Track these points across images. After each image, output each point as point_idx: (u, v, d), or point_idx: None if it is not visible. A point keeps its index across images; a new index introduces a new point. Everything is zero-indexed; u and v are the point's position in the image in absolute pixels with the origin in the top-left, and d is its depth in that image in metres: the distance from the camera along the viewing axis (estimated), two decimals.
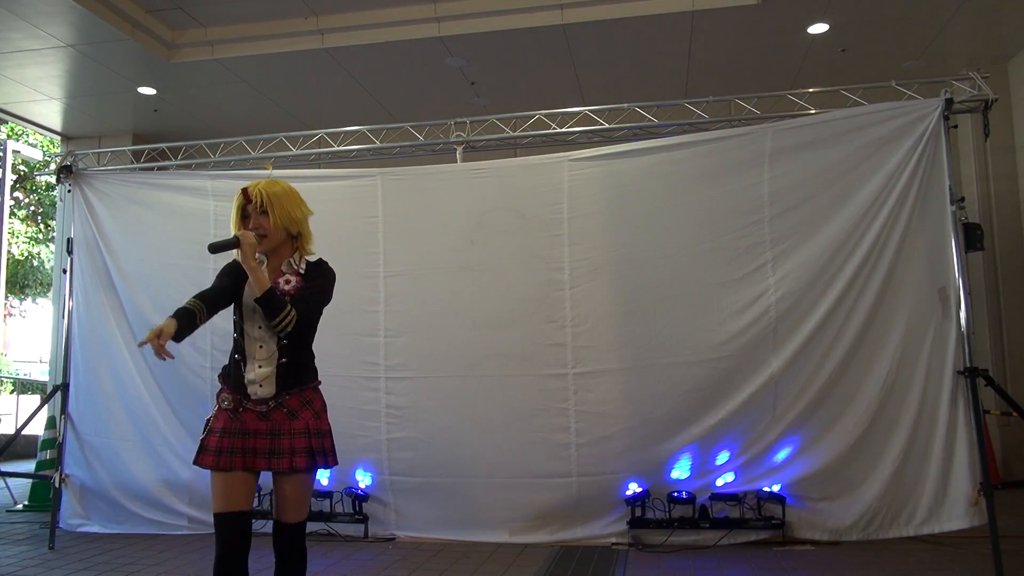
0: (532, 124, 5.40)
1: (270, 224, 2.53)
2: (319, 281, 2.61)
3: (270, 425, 2.47)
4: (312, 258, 2.68)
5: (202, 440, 2.50)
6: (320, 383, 2.64)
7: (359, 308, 5.03)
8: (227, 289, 2.56)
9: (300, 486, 2.49)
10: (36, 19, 5.96)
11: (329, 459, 2.54)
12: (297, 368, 2.54)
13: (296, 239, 2.63)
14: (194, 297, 2.48)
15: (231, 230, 2.59)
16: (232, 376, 2.54)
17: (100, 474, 5.35)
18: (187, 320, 2.39)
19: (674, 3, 5.97)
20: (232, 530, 2.42)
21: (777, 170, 4.67)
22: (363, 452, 5.01)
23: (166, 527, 5.23)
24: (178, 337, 2.34)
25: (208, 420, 2.55)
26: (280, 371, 2.49)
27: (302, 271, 2.60)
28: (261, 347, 2.50)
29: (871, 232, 4.46)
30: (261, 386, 2.47)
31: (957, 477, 4.23)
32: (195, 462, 2.48)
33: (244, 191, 2.58)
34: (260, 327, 2.51)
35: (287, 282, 2.56)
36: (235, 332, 2.57)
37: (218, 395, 2.57)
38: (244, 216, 2.58)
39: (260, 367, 2.48)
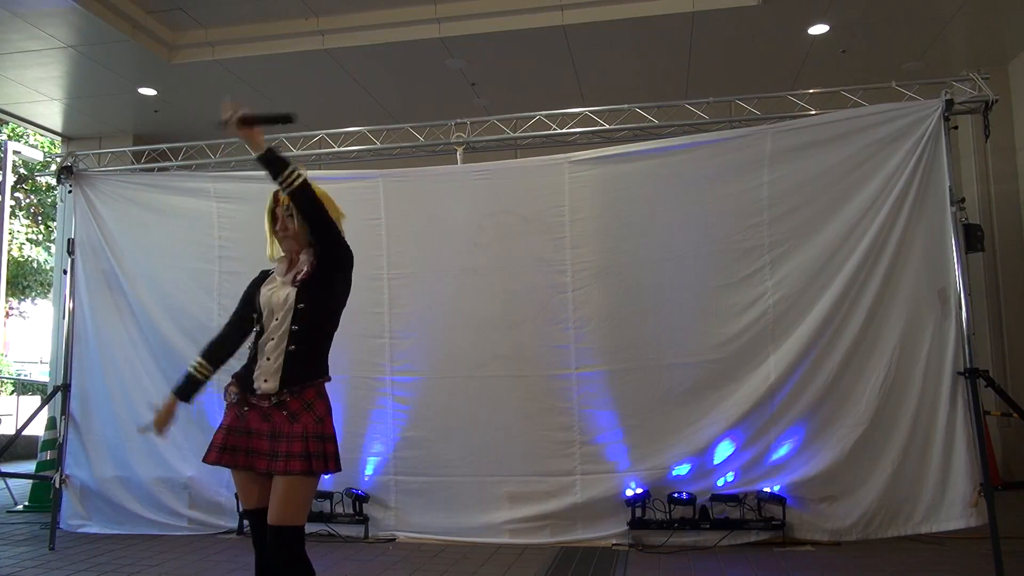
0: (532, 125, 5.40)
1: (295, 226, 2.58)
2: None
3: (271, 427, 2.49)
4: None
5: (212, 437, 2.58)
6: (328, 379, 2.62)
7: (365, 310, 5.04)
8: (243, 315, 2.68)
9: (291, 490, 2.45)
10: (37, 20, 5.97)
11: (330, 464, 2.51)
12: (303, 362, 2.53)
13: None
14: (199, 355, 2.67)
15: (265, 230, 2.66)
16: (244, 370, 2.58)
17: (101, 475, 5.36)
18: (188, 389, 2.65)
19: (674, 4, 5.98)
20: (253, 526, 2.54)
21: (777, 172, 4.68)
22: (369, 452, 5.05)
23: (166, 528, 5.24)
24: (186, 399, 2.66)
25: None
26: (286, 362, 2.49)
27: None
28: (272, 340, 2.52)
29: (869, 233, 4.47)
30: (266, 381, 2.49)
31: (956, 478, 4.24)
32: (203, 459, 2.57)
33: (275, 193, 2.62)
34: (276, 319, 2.53)
35: (304, 264, 2.58)
36: (256, 327, 2.60)
37: (226, 388, 2.60)
38: (274, 218, 2.64)
39: (268, 359, 2.51)
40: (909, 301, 4.44)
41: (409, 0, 6.23)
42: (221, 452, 2.50)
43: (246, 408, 2.54)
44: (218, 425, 2.60)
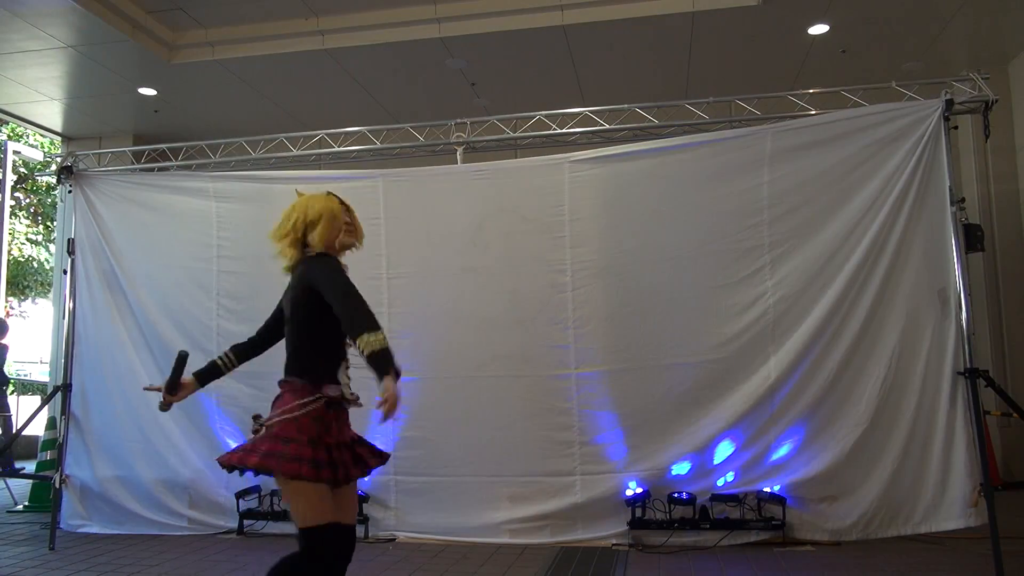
0: (532, 125, 5.41)
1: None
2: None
3: (347, 436, 2.58)
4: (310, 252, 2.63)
5: (295, 450, 2.34)
6: None
7: None
8: (279, 319, 2.69)
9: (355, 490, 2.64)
10: (37, 20, 5.97)
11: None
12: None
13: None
14: (231, 348, 2.73)
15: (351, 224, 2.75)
16: (329, 371, 2.52)
17: (101, 475, 5.36)
18: (208, 375, 2.71)
19: (674, 3, 5.98)
20: (338, 543, 2.41)
21: (777, 172, 4.68)
22: None
23: (166, 528, 5.24)
24: (202, 384, 2.71)
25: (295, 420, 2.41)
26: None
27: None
28: (349, 346, 2.58)
29: (869, 233, 4.48)
30: (348, 386, 2.58)
31: (955, 478, 4.24)
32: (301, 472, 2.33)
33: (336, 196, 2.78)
34: None
35: None
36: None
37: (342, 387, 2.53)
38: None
39: (347, 367, 2.60)
40: (909, 301, 4.44)
41: (409, 0, 6.23)
42: (324, 468, 2.35)
43: (334, 423, 2.47)
44: (299, 437, 2.35)
